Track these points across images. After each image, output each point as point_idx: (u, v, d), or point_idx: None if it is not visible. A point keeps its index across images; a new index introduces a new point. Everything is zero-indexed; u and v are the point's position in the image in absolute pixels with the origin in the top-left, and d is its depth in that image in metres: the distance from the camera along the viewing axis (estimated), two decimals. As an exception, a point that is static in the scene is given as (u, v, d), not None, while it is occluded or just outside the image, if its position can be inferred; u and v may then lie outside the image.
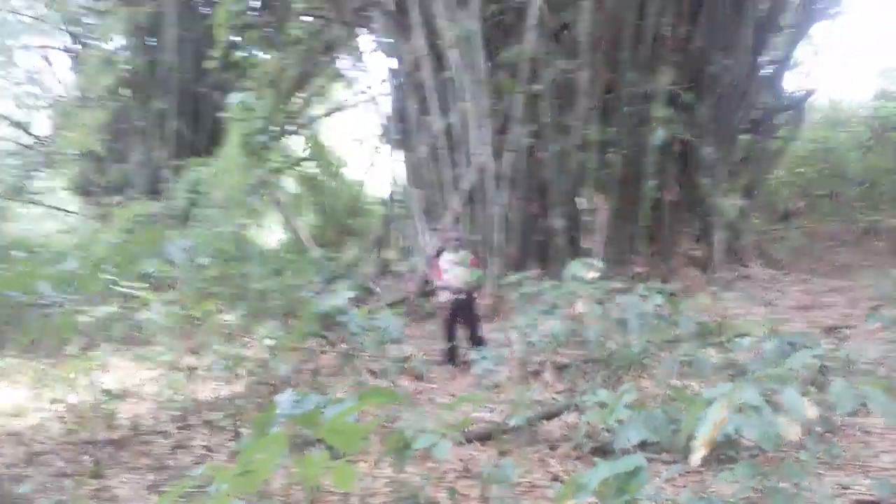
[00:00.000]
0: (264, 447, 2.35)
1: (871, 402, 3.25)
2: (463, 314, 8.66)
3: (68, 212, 21.59)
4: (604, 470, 2.41)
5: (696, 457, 2.79)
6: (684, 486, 5.02)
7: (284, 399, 2.90)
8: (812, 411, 3.49)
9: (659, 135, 9.85)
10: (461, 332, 8.84)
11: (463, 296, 8.57)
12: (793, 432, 3.58)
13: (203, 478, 2.51)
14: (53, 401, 6.79)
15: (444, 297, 8.72)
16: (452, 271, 8.63)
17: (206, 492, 2.31)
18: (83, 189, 20.54)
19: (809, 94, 13.51)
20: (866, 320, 7.73)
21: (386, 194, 15.37)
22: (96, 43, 17.08)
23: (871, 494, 4.65)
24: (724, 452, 5.26)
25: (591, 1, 9.48)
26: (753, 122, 12.71)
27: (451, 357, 8.61)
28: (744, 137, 12.83)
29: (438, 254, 9.13)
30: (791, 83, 18.56)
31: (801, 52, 13.55)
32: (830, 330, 8.59)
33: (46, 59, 20.67)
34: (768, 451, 4.24)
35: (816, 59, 13.96)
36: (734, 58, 10.50)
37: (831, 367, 6.31)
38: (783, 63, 12.70)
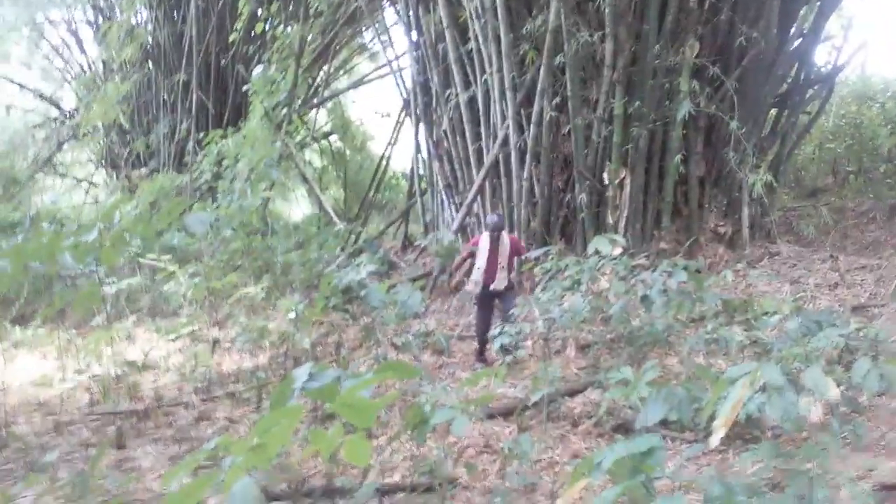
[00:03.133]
0: (279, 420, 2.34)
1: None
2: (497, 300, 8.13)
3: (95, 184, 21.79)
4: (620, 449, 2.39)
5: (717, 437, 2.75)
6: (707, 465, 5.00)
7: (302, 372, 2.89)
8: (835, 392, 3.45)
9: (684, 108, 9.70)
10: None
11: (487, 289, 7.98)
12: (815, 413, 3.54)
13: (217, 450, 2.51)
14: (79, 371, 6.89)
15: (470, 287, 8.17)
16: (482, 258, 7.99)
17: (219, 465, 2.32)
18: (109, 161, 20.73)
19: (839, 68, 13.23)
20: (893, 299, 7.64)
21: (409, 168, 15.33)
22: (120, 16, 17.10)
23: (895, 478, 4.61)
24: (749, 432, 5.23)
25: (616, -28, 9.32)
26: (781, 96, 12.48)
27: (481, 356, 8.15)
28: (772, 112, 12.63)
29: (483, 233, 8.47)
30: (821, 57, 18.30)
31: (831, 25, 13.25)
32: (858, 308, 8.48)
33: (72, 32, 20.77)
34: (791, 431, 4.21)
35: (847, 32, 13.59)
36: (761, 30, 10.28)
37: (858, 346, 6.25)
38: (813, 36, 12.42)
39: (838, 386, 4.57)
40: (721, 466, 4.89)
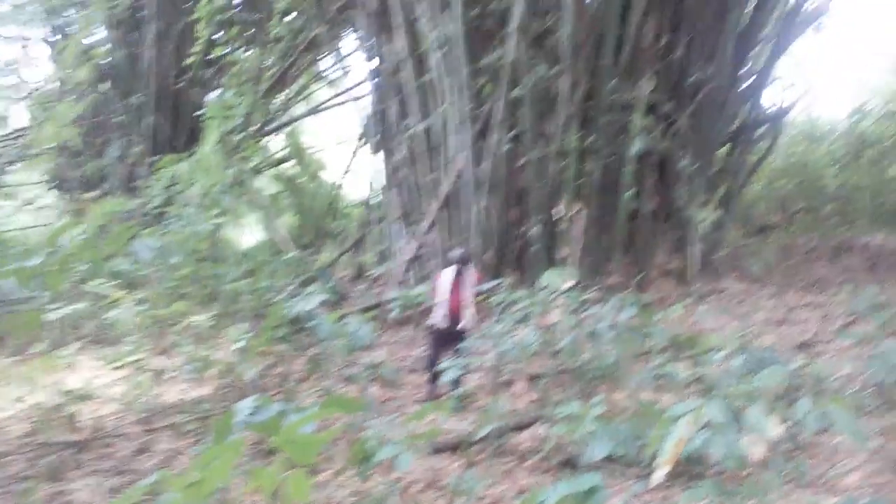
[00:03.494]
0: (219, 455, 2.29)
1: (837, 422, 3.25)
2: (451, 347, 7.47)
3: (44, 206, 21.35)
4: (562, 488, 2.38)
5: (660, 474, 2.77)
6: (651, 502, 5.00)
7: (245, 405, 2.84)
8: (777, 430, 3.48)
9: (639, 144, 9.85)
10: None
11: (450, 327, 7.55)
12: (757, 451, 3.57)
13: (156, 485, 2.45)
14: (17, 400, 6.70)
15: (432, 319, 7.74)
16: (442, 294, 7.65)
17: (158, 499, 2.25)
18: (59, 183, 20.34)
19: (788, 108, 13.58)
20: (839, 336, 7.78)
21: (365, 196, 15.31)
22: (76, 35, 16.90)
23: (837, 514, 4.66)
24: (693, 468, 5.26)
25: (572, 8, 9.46)
26: (732, 134, 12.76)
27: (431, 391, 7.62)
28: (722, 149, 12.89)
29: (446, 268, 8.08)
30: (771, 97, 18.76)
31: (781, 66, 13.63)
32: (803, 345, 8.62)
33: (25, 49, 20.45)
34: (734, 468, 4.23)
35: (796, 73, 14.00)
36: (715, 70, 10.53)
37: (802, 383, 6.34)
38: (763, 76, 12.76)
39: (781, 423, 4.63)
40: (665, 504, 4.91)
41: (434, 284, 8.02)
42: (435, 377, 7.55)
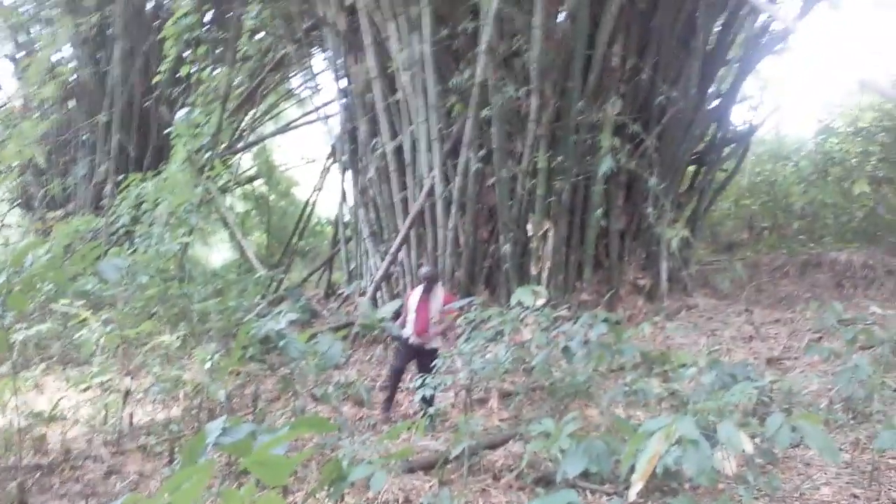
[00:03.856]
0: (189, 477, 2.25)
1: (807, 437, 3.28)
2: (418, 363, 7.72)
3: (7, 225, 21.02)
4: (539, 506, 2.36)
5: (634, 490, 2.77)
6: (625, 518, 4.99)
7: (215, 426, 2.80)
8: (749, 445, 3.50)
9: (606, 164, 9.93)
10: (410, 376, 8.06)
11: (419, 344, 7.68)
12: (730, 466, 3.59)
13: (124, 510, 2.40)
14: (-21, 423, 6.55)
15: (405, 332, 7.81)
16: (412, 314, 7.75)
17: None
18: (24, 202, 20.06)
19: (755, 128, 13.79)
20: (806, 352, 7.87)
21: (335, 215, 15.26)
22: (41, 52, 16.71)
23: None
24: (667, 484, 5.26)
25: (541, 30, 9.54)
26: (699, 153, 12.92)
27: (388, 407, 7.80)
28: (689, 169, 13.05)
29: (417, 285, 8.24)
30: (738, 117, 19.05)
31: (748, 86, 13.85)
32: (772, 361, 8.71)
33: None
34: (707, 484, 4.25)
35: (763, 93, 14.23)
36: (681, 90, 10.66)
37: (772, 398, 6.39)
38: (730, 97, 12.95)
39: (753, 438, 4.66)
40: (640, 520, 4.90)
41: (405, 301, 8.13)
42: (393, 394, 7.81)
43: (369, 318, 7.37)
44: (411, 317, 7.72)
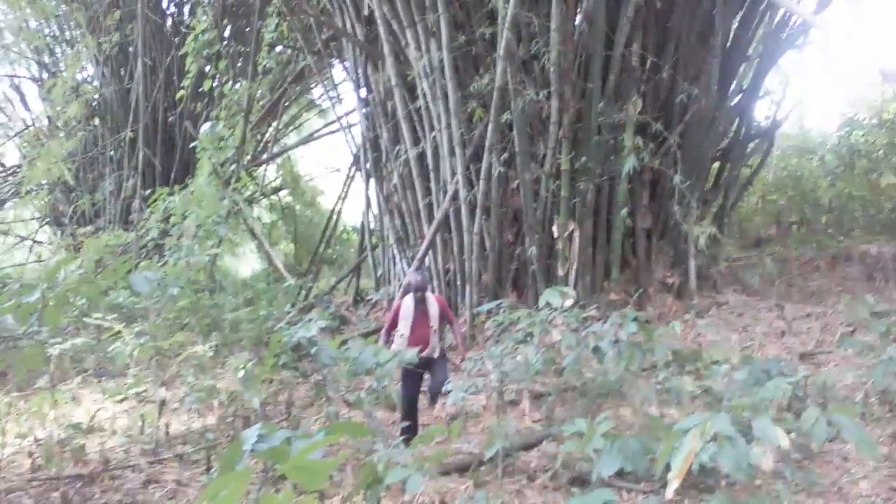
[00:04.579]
0: (227, 484, 2.29)
1: (844, 431, 3.26)
2: (433, 374, 7.18)
3: (39, 242, 21.35)
4: (577, 504, 2.38)
5: (671, 488, 2.77)
6: (662, 517, 4.98)
7: (251, 433, 2.83)
8: (785, 440, 3.49)
9: (629, 163, 9.90)
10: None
11: (426, 357, 7.00)
12: (766, 462, 3.57)
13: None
14: (21, 436, 6.67)
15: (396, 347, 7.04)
16: (406, 325, 7.18)
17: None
18: (54, 219, 20.37)
19: (779, 122, 13.69)
20: (840, 346, 7.80)
21: (360, 222, 15.34)
22: (65, 72, 16.97)
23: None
24: (703, 481, 5.25)
25: (558, 32, 9.55)
26: (723, 150, 12.85)
27: (408, 436, 6.35)
28: (714, 165, 12.98)
29: (404, 295, 7.54)
30: (761, 112, 18.92)
31: (770, 81, 13.75)
32: (805, 356, 8.64)
33: (15, 88, 20.54)
34: (743, 480, 4.23)
35: (785, 88, 14.12)
36: (702, 88, 10.60)
37: (807, 393, 6.34)
38: (752, 92, 12.87)
39: (788, 433, 4.64)
40: (677, 518, 4.89)
41: (394, 313, 7.38)
42: (415, 424, 7.00)
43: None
44: (406, 333, 7.09)
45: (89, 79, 18.75)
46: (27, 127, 20.44)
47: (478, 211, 10.71)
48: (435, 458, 4.21)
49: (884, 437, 6.18)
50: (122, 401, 7.87)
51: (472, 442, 6.97)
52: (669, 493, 2.67)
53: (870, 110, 17.19)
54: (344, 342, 6.60)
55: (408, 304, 7.23)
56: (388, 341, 7.26)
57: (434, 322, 7.19)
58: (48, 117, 19.15)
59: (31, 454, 6.48)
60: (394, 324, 7.29)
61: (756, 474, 5.06)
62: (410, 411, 7.07)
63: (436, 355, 7.18)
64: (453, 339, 7.70)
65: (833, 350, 8.58)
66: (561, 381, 7.43)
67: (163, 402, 7.11)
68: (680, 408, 6.23)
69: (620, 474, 5.01)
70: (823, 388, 6.77)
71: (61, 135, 17.48)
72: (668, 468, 3.24)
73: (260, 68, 14.11)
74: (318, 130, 20.17)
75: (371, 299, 13.80)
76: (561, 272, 10.30)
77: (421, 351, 6.76)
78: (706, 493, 4.64)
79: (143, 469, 6.26)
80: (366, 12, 12.54)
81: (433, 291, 7.62)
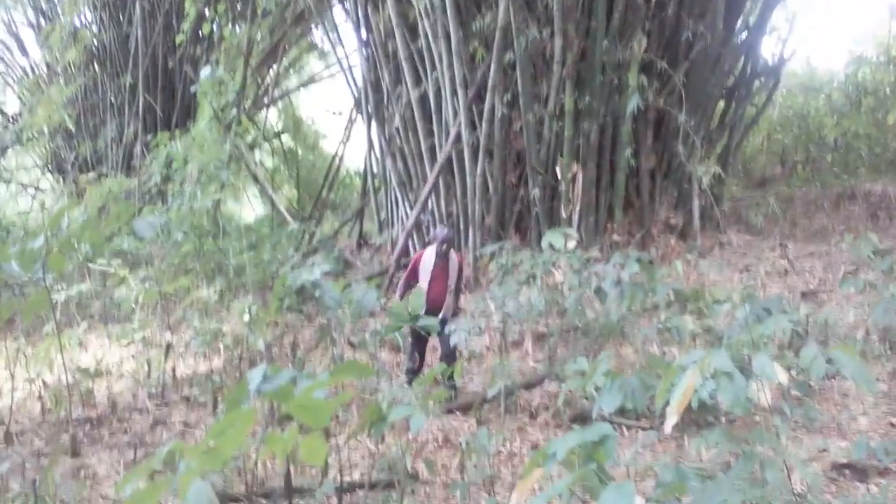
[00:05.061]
0: (233, 423, 2.32)
1: (842, 367, 3.28)
2: (441, 342, 6.74)
3: (41, 189, 21.35)
4: (572, 438, 2.41)
5: (670, 423, 2.79)
6: (663, 452, 5.07)
7: (256, 374, 2.86)
8: (783, 376, 3.51)
9: (633, 103, 9.80)
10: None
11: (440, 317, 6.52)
12: (764, 397, 3.61)
13: (171, 455, 2.49)
14: (29, 380, 6.76)
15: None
16: (425, 278, 6.82)
17: (174, 469, 2.29)
18: (56, 166, 20.33)
19: (785, 60, 13.50)
20: (842, 285, 7.82)
21: (363, 166, 15.27)
22: (63, 18, 16.76)
23: (848, 456, 4.73)
24: (704, 418, 5.32)
25: (563, -32, 9.39)
26: (729, 88, 12.70)
27: (411, 378, 6.50)
28: (719, 104, 12.85)
29: (425, 247, 7.24)
30: (767, 50, 18.66)
31: (776, 18, 13.51)
32: (807, 294, 8.67)
33: (13, 34, 20.30)
34: (741, 415, 4.28)
35: (792, 25, 13.87)
36: (707, 25, 10.44)
37: (808, 331, 6.38)
38: (758, 30, 12.66)
39: (788, 370, 4.68)
40: (677, 453, 4.97)
41: (414, 264, 7.09)
42: (412, 370, 6.77)
43: (398, 316, 5.64)
44: (425, 285, 6.70)
45: (87, 24, 18.50)
46: (26, 74, 20.27)
47: (480, 153, 10.65)
48: (438, 396, 4.27)
49: (883, 375, 6.24)
50: (128, 345, 7.95)
51: (475, 381, 7.06)
52: (668, 427, 2.70)
53: (878, 47, 16.93)
54: (347, 285, 6.64)
55: (429, 256, 6.91)
56: (405, 294, 6.79)
57: (451, 282, 6.88)
58: (47, 64, 18.98)
59: (40, 398, 6.59)
60: (412, 275, 6.98)
61: (755, 410, 5.13)
62: (415, 366, 6.79)
63: (449, 315, 6.75)
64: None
65: (835, 289, 8.60)
66: (563, 321, 7.49)
67: (168, 346, 7.19)
68: (681, 347, 6.29)
69: (621, 411, 5.07)
70: (825, 325, 6.81)
71: (61, 81, 17.35)
72: (667, 405, 3.28)
73: (259, 10, 13.90)
74: (318, 73, 19.97)
75: (374, 243, 13.81)
76: (564, 214, 10.28)
77: (433, 310, 6.50)
78: (705, 430, 4.70)
79: (150, 411, 6.37)
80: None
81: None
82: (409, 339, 7.04)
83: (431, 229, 11.24)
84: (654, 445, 5.18)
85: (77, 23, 17.61)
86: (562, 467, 2.42)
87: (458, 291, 7.06)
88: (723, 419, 5.32)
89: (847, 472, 4.61)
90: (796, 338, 6.17)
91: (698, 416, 5.27)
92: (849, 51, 17.36)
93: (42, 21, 18.92)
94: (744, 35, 12.59)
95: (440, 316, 6.57)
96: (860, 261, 8.90)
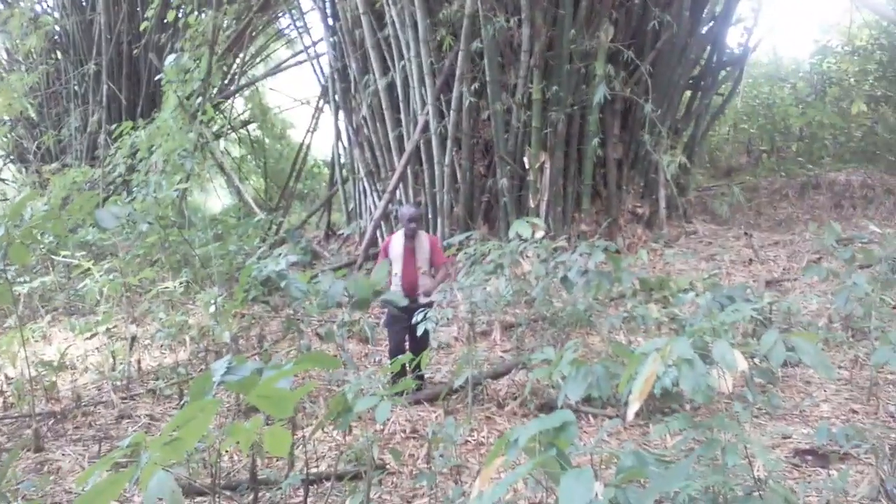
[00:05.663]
0: (195, 414, 2.31)
1: (802, 354, 3.32)
2: (410, 331, 6.22)
3: (3, 180, 20.98)
4: (534, 426, 2.43)
5: (632, 410, 2.82)
6: (627, 440, 5.11)
7: (221, 365, 2.85)
8: (743, 363, 3.56)
9: (600, 92, 9.84)
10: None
11: (409, 302, 6.11)
12: (725, 384, 3.65)
13: (134, 447, 2.47)
14: (-9, 374, 6.66)
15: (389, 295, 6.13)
16: (398, 264, 6.59)
17: (136, 461, 2.27)
18: (18, 156, 19.98)
19: (750, 50, 13.63)
20: (805, 273, 7.94)
21: (330, 156, 15.20)
22: (22, 3, 16.45)
23: (810, 443, 4.81)
24: (668, 405, 5.38)
25: (531, -43, 9.38)
26: (695, 78, 12.81)
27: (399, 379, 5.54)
28: (685, 94, 12.95)
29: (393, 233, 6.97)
30: (732, 40, 18.79)
31: (742, 8, 13.63)
32: (771, 283, 8.78)
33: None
34: (703, 402, 4.33)
35: (758, 15, 13.99)
36: (674, 15, 10.50)
37: (772, 319, 6.47)
38: (724, 20, 12.77)
39: (752, 358, 4.74)
40: (642, 440, 5.02)
41: (384, 251, 6.83)
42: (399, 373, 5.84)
43: (361, 289, 5.57)
44: (397, 270, 6.54)
45: (49, 10, 18.19)
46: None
47: (448, 142, 10.64)
48: (404, 386, 4.27)
49: (845, 362, 6.35)
50: (92, 338, 7.86)
51: (443, 371, 7.07)
52: (630, 415, 2.73)
53: (842, 37, 17.14)
54: (315, 276, 6.60)
55: (397, 240, 6.71)
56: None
57: (423, 264, 6.61)
58: (6, 50, 18.64)
59: (2, 392, 6.50)
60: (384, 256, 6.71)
61: (718, 397, 5.20)
62: (394, 349, 6.54)
63: (422, 300, 6.40)
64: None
65: (799, 277, 8.73)
66: (531, 311, 7.51)
67: (134, 339, 7.12)
68: (647, 335, 6.35)
69: (587, 400, 5.13)
70: (788, 313, 6.90)
71: (22, 69, 17.04)
72: (630, 393, 3.31)
73: (225, -3, 13.74)
74: (285, 61, 19.79)
75: (342, 233, 13.76)
76: (532, 203, 10.31)
77: (410, 293, 6.37)
78: (668, 417, 4.75)
79: (115, 405, 6.30)
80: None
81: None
82: (389, 329, 6.77)
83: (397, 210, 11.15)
84: (619, 433, 5.23)
85: (38, 8, 17.32)
86: (525, 455, 2.43)
87: (444, 276, 6.77)
88: (687, 407, 5.38)
89: (809, 458, 4.69)
90: (759, 326, 6.25)
91: (663, 404, 5.33)
92: (814, 40, 17.53)
93: (0, 5, 18.56)
94: (710, 25, 12.68)
95: (418, 300, 6.37)
96: (823, 249, 9.04)
